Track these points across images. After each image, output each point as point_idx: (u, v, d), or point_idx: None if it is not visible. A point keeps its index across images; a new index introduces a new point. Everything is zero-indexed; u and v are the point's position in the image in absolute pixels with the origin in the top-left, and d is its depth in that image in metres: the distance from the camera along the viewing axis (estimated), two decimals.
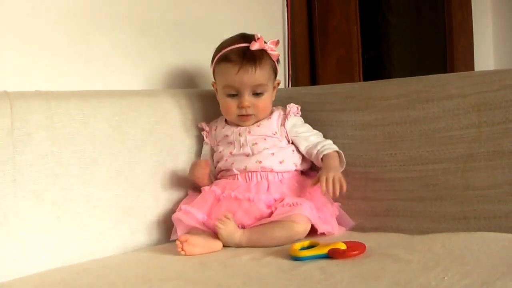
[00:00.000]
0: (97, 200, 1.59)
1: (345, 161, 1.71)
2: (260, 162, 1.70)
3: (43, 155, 1.49)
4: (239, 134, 1.75)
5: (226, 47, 1.74)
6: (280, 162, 1.71)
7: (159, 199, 1.71)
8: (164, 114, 1.77)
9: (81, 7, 1.76)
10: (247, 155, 1.73)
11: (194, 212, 1.63)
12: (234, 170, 1.72)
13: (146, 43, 1.93)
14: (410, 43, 3.25)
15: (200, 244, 1.56)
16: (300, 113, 1.80)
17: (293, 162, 1.74)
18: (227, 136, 1.77)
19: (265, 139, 1.74)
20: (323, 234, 1.60)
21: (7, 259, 1.41)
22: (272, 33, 2.42)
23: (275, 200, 1.63)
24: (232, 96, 1.74)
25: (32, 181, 1.47)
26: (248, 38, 1.74)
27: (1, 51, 1.58)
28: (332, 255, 1.36)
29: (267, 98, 1.76)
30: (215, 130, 1.82)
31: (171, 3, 2.02)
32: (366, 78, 2.63)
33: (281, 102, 1.82)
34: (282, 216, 1.57)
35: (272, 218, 1.58)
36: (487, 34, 3.64)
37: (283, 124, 1.76)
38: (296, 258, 1.38)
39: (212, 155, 1.82)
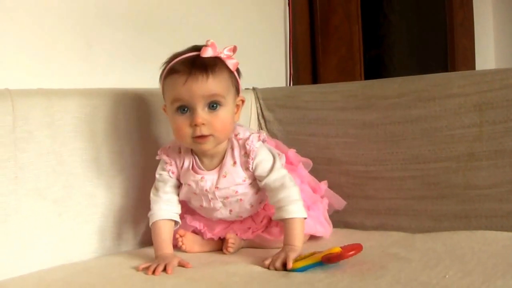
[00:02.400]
0: (99, 198, 1.59)
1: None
2: (241, 216, 1.58)
3: (44, 152, 1.49)
4: (206, 191, 1.51)
5: (173, 59, 1.48)
6: (260, 203, 1.58)
7: None
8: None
9: (83, 5, 1.76)
10: (222, 209, 1.55)
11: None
12: (214, 219, 1.59)
13: (149, 41, 1.93)
14: (411, 42, 3.26)
15: (198, 242, 1.56)
16: (265, 139, 1.55)
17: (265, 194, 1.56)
18: (189, 185, 1.53)
19: (236, 191, 1.52)
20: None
21: (8, 256, 1.41)
22: (274, 33, 2.42)
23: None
24: (182, 111, 1.43)
25: (34, 178, 1.47)
26: (199, 48, 1.47)
27: (3, 49, 1.57)
28: (327, 261, 1.28)
29: (225, 114, 1.45)
30: (181, 169, 1.55)
31: (174, 0, 2.02)
32: (367, 78, 2.64)
33: (282, 101, 1.82)
34: (277, 240, 1.52)
35: (268, 239, 1.55)
36: (488, 33, 3.64)
37: (247, 169, 1.51)
38: (292, 270, 1.31)
39: (178, 188, 1.57)
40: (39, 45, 1.66)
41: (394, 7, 3.13)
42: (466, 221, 1.58)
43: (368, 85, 1.81)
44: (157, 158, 1.57)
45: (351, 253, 1.29)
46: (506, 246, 1.37)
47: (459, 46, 3.24)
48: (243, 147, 1.50)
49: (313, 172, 1.72)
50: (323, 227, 1.62)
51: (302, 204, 1.48)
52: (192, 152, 1.53)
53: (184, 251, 1.54)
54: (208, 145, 1.45)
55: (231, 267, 1.37)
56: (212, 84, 1.42)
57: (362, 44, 2.64)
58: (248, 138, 1.50)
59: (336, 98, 1.80)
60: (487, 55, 3.60)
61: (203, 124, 1.41)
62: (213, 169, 1.52)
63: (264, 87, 2.04)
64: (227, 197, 1.52)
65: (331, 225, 1.66)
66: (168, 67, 1.47)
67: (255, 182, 1.53)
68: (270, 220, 1.57)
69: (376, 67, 2.90)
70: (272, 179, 1.49)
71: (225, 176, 1.50)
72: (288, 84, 2.46)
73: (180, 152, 1.55)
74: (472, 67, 3.26)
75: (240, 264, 1.39)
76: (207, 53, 1.44)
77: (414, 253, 1.37)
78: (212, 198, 1.52)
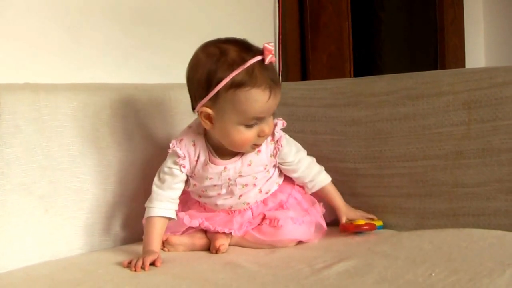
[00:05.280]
0: (85, 193, 1.58)
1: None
2: (248, 203, 1.58)
3: (31, 147, 1.48)
4: (229, 179, 1.52)
5: (234, 66, 1.38)
6: (266, 193, 1.60)
7: (148, 194, 1.70)
8: (154, 107, 1.76)
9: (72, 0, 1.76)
10: (234, 195, 1.56)
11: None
12: (219, 208, 1.59)
13: (138, 36, 1.93)
14: (401, 40, 3.26)
15: (183, 243, 1.55)
16: (285, 125, 1.58)
17: (276, 182, 1.62)
18: (212, 179, 1.52)
19: (256, 178, 1.54)
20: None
21: None
22: (263, 28, 2.42)
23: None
24: (251, 126, 1.43)
25: (20, 174, 1.46)
26: (250, 47, 1.43)
27: None
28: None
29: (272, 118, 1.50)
30: (196, 161, 1.52)
31: None
32: (356, 75, 2.64)
33: None
34: (267, 240, 1.52)
35: (258, 238, 1.53)
36: (479, 32, 3.65)
37: (274, 155, 1.55)
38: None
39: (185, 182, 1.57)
40: (27, 39, 1.65)
41: (384, 4, 3.13)
42: (454, 219, 1.58)
43: (357, 82, 1.80)
44: (169, 151, 1.52)
45: (366, 227, 1.57)
46: (493, 244, 1.38)
47: (449, 44, 3.25)
48: (272, 135, 1.53)
49: None
50: (314, 232, 1.59)
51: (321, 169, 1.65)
52: (207, 144, 1.53)
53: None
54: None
55: (217, 264, 1.37)
56: (279, 97, 1.45)
57: (352, 42, 2.64)
58: (276, 125, 1.53)
59: (324, 95, 1.80)
60: (477, 53, 3.61)
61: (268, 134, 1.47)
62: (230, 157, 1.52)
63: None
64: (246, 185, 1.54)
65: (325, 229, 1.63)
66: (236, 77, 1.38)
67: (272, 169, 1.59)
68: (264, 217, 1.57)
69: (365, 65, 2.90)
70: (302, 162, 1.61)
71: (249, 165, 1.52)
72: None
73: (194, 145, 1.52)
74: (462, 65, 3.27)
75: (226, 262, 1.39)
76: (270, 60, 1.40)
77: (400, 250, 1.38)
78: (232, 185, 1.53)
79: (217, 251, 1.50)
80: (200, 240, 1.57)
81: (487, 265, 1.21)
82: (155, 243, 1.47)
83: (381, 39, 3.10)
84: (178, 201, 1.55)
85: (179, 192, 1.55)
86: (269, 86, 1.39)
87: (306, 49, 2.61)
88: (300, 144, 1.65)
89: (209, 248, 1.54)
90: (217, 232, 1.54)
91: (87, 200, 1.59)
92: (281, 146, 1.55)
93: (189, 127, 1.57)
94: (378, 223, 1.62)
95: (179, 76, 1.55)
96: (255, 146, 1.48)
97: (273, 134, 1.53)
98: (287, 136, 1.60)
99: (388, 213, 1.67)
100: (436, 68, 3.13)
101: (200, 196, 1.60)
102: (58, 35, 1.72)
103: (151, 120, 1.72)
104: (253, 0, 2.37)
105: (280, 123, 1.55)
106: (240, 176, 1.52)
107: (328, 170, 1.68)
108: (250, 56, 1.39)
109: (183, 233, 1.58)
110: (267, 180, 1.59)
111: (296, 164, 1.60)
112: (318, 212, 1.62)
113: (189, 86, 1.49)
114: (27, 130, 1.48)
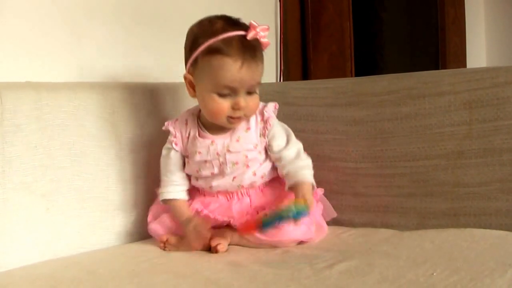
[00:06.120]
0: (87, 192, 1.58)
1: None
2: (242, 186, 1.57)
3: (32, 146, 1.48)
4: (217, 154, 1.54)
5: (214, 34, 1.46)
6: (262, 177, 1.59)
7: (149, 192, 1.70)
8: (155, 106, 1.76)
9: None
10: (227, 176, 1.56)
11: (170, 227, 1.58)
12: (214, 190, 1.59)
13: (139, 35, 1.93)
14: (402, 40, 3.27)
15: (183, 244, 1.55)
16: (277, 108, 1.62)
17: (273, 170, 1.61)
18: (200, 153, 1.56)
19: (246, 156, 1.55)
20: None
21: None
22: None
23: (258, 213, 1.54)
24: (224, 96, 1.48)
25: (21, 172, 1.46)
26: (238, 23, 1.50)
27: None
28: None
29: (257, 96, 1.53)
30: (187, 138, 1.58)
31: None
32: (358, 75, 2.64)
33: (272, 96, 1.81)
34: (268, 241, 1.50)
35: (259, 238, 1.50)
36: (480, 32, 3.65)
37: (263, 135, 1.57)
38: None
39: (183, 163, 1.61)
40: (28, 38, 1.65)
41: (386, 4, 3.13)
42: (455, 219, 1.58)
43: (358, 82, 1.80)
44: (163, 128, 1.60)
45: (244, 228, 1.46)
46: (494, 244, 1.38)
47: (450, 44, 3.25)
48: (260, 113, 1.57)
49: None
50: (315, 231, 1.59)
51: (312, 175, 1.55)
52: (198, 122, 1.58)
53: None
54: (238, 124, 1.53)
55: (218, 263, 1.37)
56: (259, 73, 1.49)
57: (353, 41, 2.64)
58: (266, 106, 1.58)
59: (326, 95, 1.80)
60: (478, 53, 3.61)
61: (245, 108, 1.48)
62: (220, 133, 1.56)
63: None
64: (236, 163, 1.54)
65: (324, 230, 1.63)
66: (213, 44, 1.46)
67: (264, 151, 1.58)
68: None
69: (367, 64, 2.90)
70: (290, 150, 1.57)
71: (238, 141, 1.55)
72: (278, 80, 2.46)
73: (186, 124, 1.58)
74: (463, 65, 3.27)
75: (227, 261, 1.39)
76: (252, 35, 1.46)
77: (402, 250, 1.37)
78: (222, 163, 1.54)
79: (215, 250, 1.49)
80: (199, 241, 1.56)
81: (488, 265, 1.21)
82: (185, 214, 1.54)
83: (382, 39, 3.11)
84: (184, 181, 1.60)
85: (180, 174, 1.60)
86: (242, 58, 1.44)
87: (307, 49, 2.62)
88: (302, 143, 1.65)
89: (210, 248, 1.54)
90: (215, 230, 1.54)
91: (89, 199, 1.58)
92: (270, 126, 1.56)
93: (188, 110, 1.63)
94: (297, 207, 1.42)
95: (180, 75, 1.56)
96: (231, 119, 1.50)
97: (262, 114, 1.57)
98: (283, 124, 1.61)
99: (389, 212, 1.67)
100: (437, 68, 3.13)
101: (197, 179, 1.60)
102: (60, 34, 1.72)
103: (153, 119, 1.72)
104: (255, 0, 2.37)
105: (272, 104, 1.59)
106: (229, 151, 1.54)
107: (329, 170, 1.69)
108: (234, 29, 1.47)
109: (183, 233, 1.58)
110: (261, 164, 1.58)
111: (283, 151, 1.57)
112: (317, 211, 1.62)
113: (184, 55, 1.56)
114: (29, 128, 1.48)
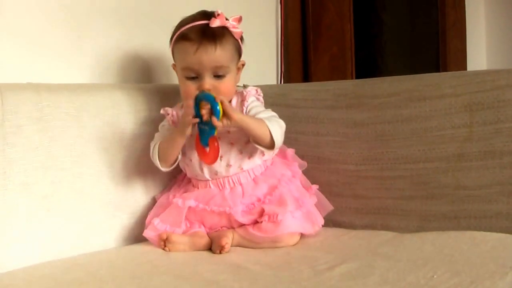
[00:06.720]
0: (88, 194, 1.58)
1: (277, 143, 1.58)
2: (230, 165, 1.60)
3: (33, 147, 1.48)
4: None
5: (185, 24, 1.60)
6: (249, 158, 1.61)
7: (150, 193, 1.70)
8: (156, 107, 1.76)
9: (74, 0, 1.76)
10: None
11: (168, 229, 1.58)
12: (205, 175, 1.62)
13: (140, 36, 1.93)
14: (403, 42, 3.27)
15: (183, 242, 1.55)
16: (261, 95, 1.69)
17: (260, 151, 1.62)
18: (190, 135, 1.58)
19: (228, 131, 1.59)
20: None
21: None
22: (265, 30, 2.42)
23: (254, 205, 1.58)
24: (192, 78, 1.58)
25: (22, 173, 1.46)
26: (208, 15, 1.60)
27: None
28: None
29: (229, 81, 1.61)
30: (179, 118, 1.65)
31: None
32: (358, 77, 2.64)
33: (272, 98, 1.81)
34: (268, 237, 1.52)
35: (259, 236, 1.54)
36: (480, 34, 3.65)
37: (242, 111, 1.61)
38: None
39: None
40: (29, 39, 1.65)
41: (387, 6, 3.13)
42: (455, 221, 1.58)
43: (359, 84, 1.80)
44: (161, 112, 1.67)
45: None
46: (495, 247, 1.38)
47: (451, 47, 3.25)
48: (241, 94, 1.65)
49: (303, 170, 1.72)
50: (310, 224, 1.60)
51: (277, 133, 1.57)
52: None
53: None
54: None
55: (219, 265, 1.37)
56: (219, 56, 1.56)
57: (354, 43, 2.64)
58: (247, 89, 1.66)
59: (326, 97, 1.80)
60: (478, 56, 3.61)
61: (209, 90, 1.55)
62: None
63: (255, 84, 2.04)
64: (219, 137, 1.56)
65: (319, 222, 1.64)
66: (179, 32, 1.60)
67: None
68: (262, 213, 1.56)
69: (367, 67, 2.90)
70: (265, 114, 1.61)
71: None
72: (279, 82, 2.46)
73: (182, 108, 1.64)
74: (464, 68, 3.27)
75: (228, 262, 1.39)
76: (216, 23, 1.57)
77: (402, 252, 1.38)
78: None
79: (221, 250, 1.50)
80: (201, 239, 1.57)
81: (489, 268, 1.21)
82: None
83: (383, 41, 3.11)
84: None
85: None
86: (199, 41, 1.55)
87: (308, 51, 2.62)
88: (302, 145, 1.66)
89: (211, 247, 1.54)
90: (216, 232, 1.55)
91: (90, 200, 1.58)
92: (247, 101, 1.63)
93: None
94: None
95: None
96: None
97: (243, 95, 1.64)
98: (264, 106, 1.68)
99: (390, 215, 1.67)
100: (437, 70, 3.13)
101: (187, 165, 1.64)
102: (60, 35, 1.72)
103: (154, 120, 1.72)
104: (256, 2, 2.37)
105: (254, 88, 1.67)
106: None
107: (329, 172, 1.69)
108: (201, 19, 1.59)
109: (184, 232, 1.58)
110: (246, 143, 1.60)
111: (258, 114, 1.60)
112: (310, 203, 1.64)
113: None
114: (30, 130, 1.48)
